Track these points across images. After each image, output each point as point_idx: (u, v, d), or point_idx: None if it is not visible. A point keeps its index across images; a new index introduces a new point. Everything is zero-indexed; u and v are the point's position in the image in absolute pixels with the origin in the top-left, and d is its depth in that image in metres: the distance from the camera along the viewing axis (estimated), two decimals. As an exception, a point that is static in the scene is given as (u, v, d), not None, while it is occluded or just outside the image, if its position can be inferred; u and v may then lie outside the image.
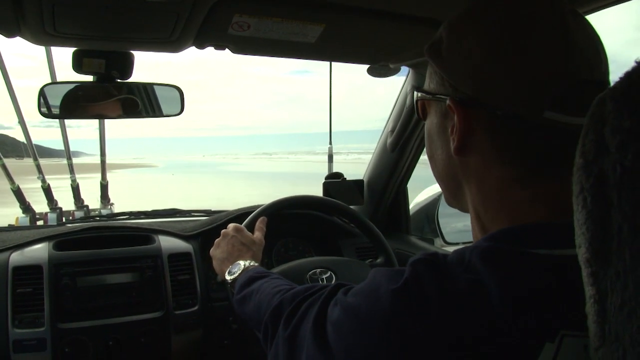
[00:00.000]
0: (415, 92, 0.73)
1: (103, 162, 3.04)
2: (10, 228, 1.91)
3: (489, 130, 0.60)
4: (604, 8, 1.07)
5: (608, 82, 0.60)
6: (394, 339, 0.55)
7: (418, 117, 0.74)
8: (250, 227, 1.34)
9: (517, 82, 0.57)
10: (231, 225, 1.30)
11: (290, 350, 0.73)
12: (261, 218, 1.37)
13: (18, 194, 2.84)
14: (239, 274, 1.12)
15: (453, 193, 0.71)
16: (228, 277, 1.15)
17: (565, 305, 0.51)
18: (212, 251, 1.27)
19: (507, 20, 0.60)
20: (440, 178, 0.72)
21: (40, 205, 2.84)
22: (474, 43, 0.61)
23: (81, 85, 1.30)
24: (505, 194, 0.61)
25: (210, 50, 1.25)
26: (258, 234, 1.30)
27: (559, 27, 0.58)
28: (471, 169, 0.64)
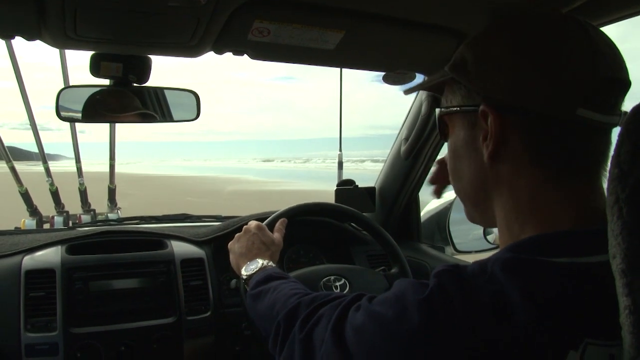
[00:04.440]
0: (437, 110, 0.75)
1: (112, 166, 3.04)
2: (18, 231, 1.91)
3: (523, 134, 0.63)
4: (613, 22, 1.09)
5: (629, 80, 0.64)
6: (419, 347, 0.56)
7: (441, 137, 0.76)
8: (271, 228, 1.34)
9: (550, 84, 0.60)
10: (253, 222, 1.30)
11: (305, 352, 0.74)
12: (282, 219, 1.38)
13: (26, 196, 2.84)
14: (256, 271, 1.12)
15: (480, 207, 0.72)
16: (244, 273, 1.15)
17: (589, 313, 0.52)
18: (230, 244, 1.28)
19: (535, 31, 0.64)
20: (465, 192, 0.73)
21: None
22: (503, 53, 0.64)
23: (99, 89, 1.30)
24: (536, 196, 0.63)
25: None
26: (277, 235, 1.31)
27: (583, 34, 0.62)
28: (502, 176, 0.65)
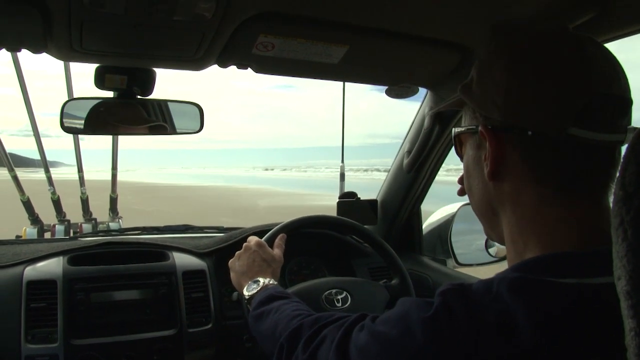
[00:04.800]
0: (453, 130, 0.77)
1: (114, 175, 3.05)
2: (19, 241, 1.91)
3: (521, 152, 0.63)
4: (621, 38, 1.08)
5: (629, 97, 0.64)
6: None
7: (457, 154, 0.78)
8: (270, 243, 1.33)
9: (542, 103, 0.61)
10: (253, 239, 1.29)
11: None
12: (281, 235, 1.37)
13: (27, 205, 2.84)
14: (258, 291, 1.12)
15: (490, 223, 0.73)
16: (246, 293, 1.14)
17: (595, 335, 0.52)
18: (231, 262, 1.27)
19: (529, 50, 0.65)
20: (478, 209, 0.75)
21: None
22: (500, 73, 0.65)
23: (103, 101, 1.30)
24: (538, 214, 0.63)
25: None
26: (278, 251, 1.30)
27: (576, 49, 0.62)
28: (505, 193, 0.66)
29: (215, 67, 1.25)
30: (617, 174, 0.47)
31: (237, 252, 1.27)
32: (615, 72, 0.63)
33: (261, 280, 1.15)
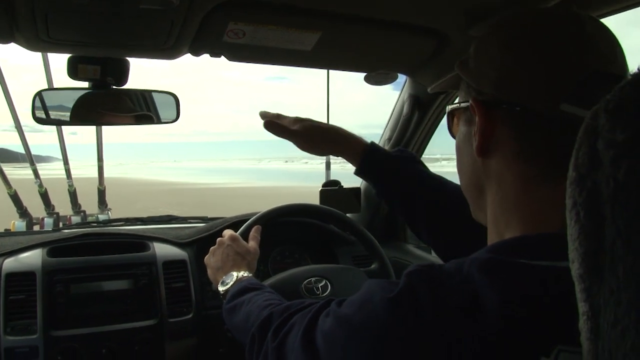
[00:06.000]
0: (447, 107, 0.76)
1: (100, 167, 3.04)
2: (6, 233, 1.91)
3: (510, 129, 0.62)
4: (614, 13, 1.07)
5: (626, 77, 0.62)
6: (388, 348, 0.55)
7: (450, 133, 0.77)
8: (245, 236, 1.33)
9: (534, 78, 0.60)
10: (227, 233, 1.28)
11: None
12: (256, 227, 1.36)
13: (15, 198, 2.83)
14: (232, 285, 1.11)
15: (477, 202, 0.72)
16: (221, 288, 1.14)
17: (563, 319, 0.50)
18: (206, 259, 1.26)
19: (529, 28, 0.64)
20: (466, 188, 0.74)
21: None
22: (497, 49, 0.64)
23: (87, 93, 1.29)
24: (523, 194, 0.62)
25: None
26: (253, 243, 1.29)
27: (575, 26, 0.61)
28: (492, 170, 0.65)
29: (205, 58, 1.24)
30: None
31: (212, 248, 1.27)
32: (613, 49, 0.62)
33: (235, 274, 1.14)
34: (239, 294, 1.05)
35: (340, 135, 1.11)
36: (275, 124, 1.11)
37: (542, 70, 0.60)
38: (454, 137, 0.75)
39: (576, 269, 0.44)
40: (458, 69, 0.70)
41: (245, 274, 1.14)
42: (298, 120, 1.11)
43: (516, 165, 0.62)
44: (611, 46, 0.62)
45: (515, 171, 0.62)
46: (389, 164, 1.07)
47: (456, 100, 0.74)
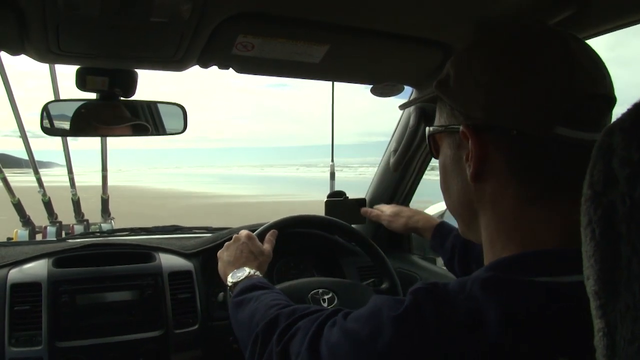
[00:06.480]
0: (427, 129, 0.75)
1: (104, 176, 3.04)
2: (9, 243, 1.90)
3: (504, 153, 0.62)
4: (600, 35, 1.08)
5: (613, 95, 0.63)
6: None
7: (431, 154, 0.76)
8: (261, 238, 1.34)
9: (528, 102, 0.60)
10: (243, 232, 1.31)
11: None
12: (272, 231, 1.38)
13: (18, 207, 2.84)
14: (242, 279, 1.12)
15: (467, 223, 0.72)
16: (230, 280, 1.15)
17: (564, 333, 0.51)
18: (219, 252, 1.28)
19: (512, 47, 0.63)
20: (454, 209, 0.73)
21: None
22: (482, 71, 0.63)
23: (85, 103, 1.30)
24: (519, 215, 0.62)
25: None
26: (267, 246, 1.31)
27: (562, 48, 0.61)
28: (487, 194, 0.65)
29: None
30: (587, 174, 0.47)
31: (227, 243, 1.29)
32: (599, 70, 0.62)
33: (247, 269, 1.15)
34: (248, 289, 1.05)
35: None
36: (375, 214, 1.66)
37: (534, 93, 0.59)
38: (437, 157, 0.75)
39: (591, 286, 0.44)
40: (438, 91, 0.69)
41: (257, 273, 1.16)
42: (395, 212, 1.56)
43: (511, 187, 0.62)
44: (596, 65, 0.62)
45: (511, 194, 0.62)
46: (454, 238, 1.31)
47: (437, 121, 0.72)
